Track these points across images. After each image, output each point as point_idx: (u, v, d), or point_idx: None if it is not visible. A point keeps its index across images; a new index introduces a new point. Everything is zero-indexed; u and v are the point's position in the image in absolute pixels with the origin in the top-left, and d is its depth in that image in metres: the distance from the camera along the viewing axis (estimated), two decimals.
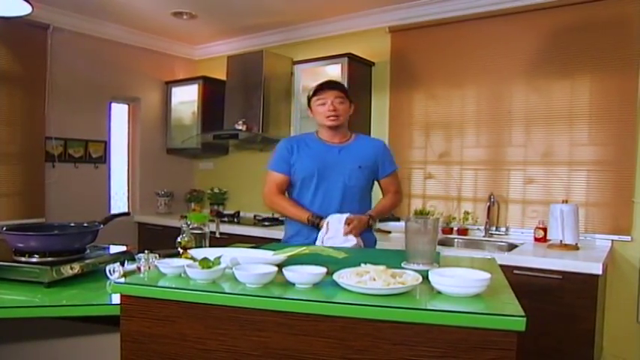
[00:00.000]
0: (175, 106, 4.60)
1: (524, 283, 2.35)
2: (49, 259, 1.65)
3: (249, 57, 4.07)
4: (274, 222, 3.84)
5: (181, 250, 1.87)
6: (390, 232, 3.21)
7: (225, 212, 4.39)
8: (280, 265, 1.37)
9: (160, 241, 3.14)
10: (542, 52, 3.11)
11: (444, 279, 1.21)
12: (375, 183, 2.35)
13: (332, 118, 2.19)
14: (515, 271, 2.45)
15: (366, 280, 1.22)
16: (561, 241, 2.72)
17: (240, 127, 3.92)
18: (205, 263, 1.32)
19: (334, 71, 3.62)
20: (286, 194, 2.30)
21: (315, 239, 2.09)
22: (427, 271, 1.28)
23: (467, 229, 3.31)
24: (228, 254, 1.44)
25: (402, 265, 1.55)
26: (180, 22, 4.01)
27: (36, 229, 1.75)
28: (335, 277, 1.25)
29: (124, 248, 1.98)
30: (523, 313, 1.06)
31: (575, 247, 2.71)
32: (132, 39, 4.27)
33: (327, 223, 2.09)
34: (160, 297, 1.28)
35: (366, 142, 2.36)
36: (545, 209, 2.94)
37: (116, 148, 4.37)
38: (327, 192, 2.19)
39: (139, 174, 4.49)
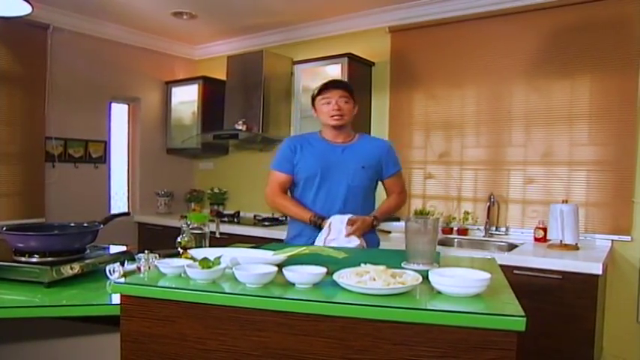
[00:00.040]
0: (175, 106, 4.60)
1: (524, 283, 2.35)
2: (49, 259, 1.64)
3: (249, 57, 4.07)
4: (274, 222, 3.84)
5: (181, 250, 1.87)
6: (390, 232, 3.21)
7: (225, 212, 4.39)
8: (280, 265, 1.37)
9: (160, 241, 3.15)
10: (542, 52, 3.11)
11: (444, 279, 1.21)
12: (380, 183, 2.34)
13: (336, 117, 2.17)
14: (515, 271, 2.45)
15: (366, 280, 1.22)
16: (561, 241, 2.72)
17: (240, 127, 3.92)
18: (205, 263, 1.32)
19: (334, 71, 3.62)
20: (288, 193, 2.29)
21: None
22: (427, 271, 1.28)
23: (467, 229, 3.31)
24: (228, 254, 1.44)
25: (402, 265, 1.55)
26: (180, 22, 4.01)
27: (36, 229, 1.75)
28: (335, 277, 1.25)
29: (124, 248, 1.97)
30: (523, 313, 1.06)
31: (575, 247, 2.71)
32: (132, 39, 4.27)
33: (330, 224, 2.08)
34: (160, 297, 1.28)
35: (370, 142, 2.35)
36: (545, 209, 2.94)
37: (116, 148, 4.37)
38: (330, 192, 2.18)
39: (139, 174, 4.49)
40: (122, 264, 1.69)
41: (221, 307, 1.23)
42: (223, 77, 4.26)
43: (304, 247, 1.53)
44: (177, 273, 1.39)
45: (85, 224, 1.88)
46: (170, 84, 4.62)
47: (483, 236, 3.23)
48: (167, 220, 4.15)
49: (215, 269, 1.31)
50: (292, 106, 4.06)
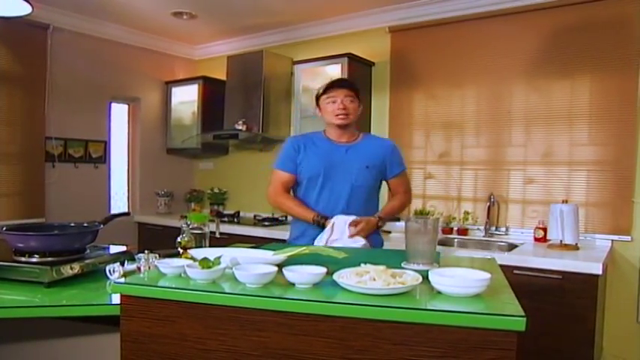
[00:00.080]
0: (175, 106, 4.60)
1: (524, 283, 2.35)
2: (49, 259, 1.64)
3: (249, 57, 4.07)
4: (274, 222, 3.84)
5: (181, 250, 1.87)
6: (390, 232, 3.21)
7: (225, 212, 4.39)
8: (280, 265, 1.37)
9: (160, 241, 3.14)
10: (542, 52, 3.11)
11: (444, 279, 1.21)
12: (384, 184, 2.32)
13: (341, 116, 2.16)
14: (515, 271, 2.45)
15: (366, 280, 1.21)
16: (561, 241, 2.72)
17: (240, 127, 3.92)
18: (205, 263, 1.32)
19: (334, 71, 3.62)
20: (291, 193, 2.28)
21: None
22: (427, 271, 1.28)
23: (467, 229, 3.31)
24: (228, 254, 1.44)
25: (402, 265, 1.55)
26: (180, 22, 4.01)
27: (36, 229, 1.75)
28: (335, 277, 1.25)
29: (124, 248, 1.97)
30: (523, 313, 1.06)
31: (575, 247, 2.71)
32: (132, 39, 4.27)
33: (333, 224, 2.07)
34: (160, 297, 1.28)
35: (374, 141, 2.33)
36: (545, 209, 2.94)
37: (116, 148, 4.36)
38: (333, 192, 2.16)
39: (139, 174, 4.49)
40: (122, 264, 1.69)
41: (221, 307, 1.23)
42: (223, 77, 4.26)
43: (304, 247, 1.53)
44: (177, 273, 1.39)
45: (85, 224, 1.88)
46: (170, 84, 4.62)
47: (483, 236, 3.23)
48: (167, 220, 4.15)
49: (215, 269, 1.31)
50: (292, 106, 4.06)
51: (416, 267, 1.51)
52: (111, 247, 1.97)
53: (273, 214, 4.02)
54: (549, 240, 2.86)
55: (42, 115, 3.70)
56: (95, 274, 1.73)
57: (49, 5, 3.55)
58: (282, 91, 4.10)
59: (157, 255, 1.67)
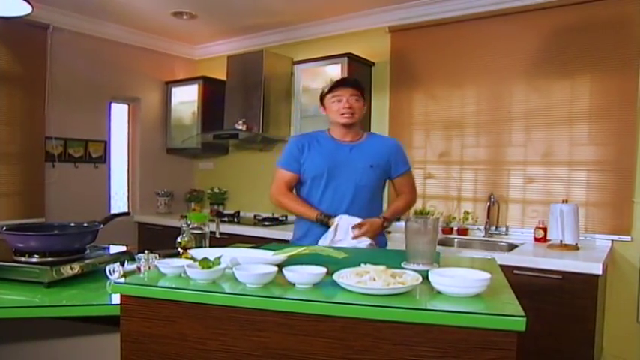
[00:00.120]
0: (175, 106, 4.60)
1: (524, 283, 2.35)
2: (49, 259, 1.64)
3: (249, 57, 4.07)
4: (274, 222, 3.85)
5: (181, 250, 1.87)
6: (390, 232, 3.20)
7: (225, 212, 4.39)
8: (280, 265, 1.37)
9: (160, 241, 3.14)
10: (542, 52, 3.11)
11: (444, 279, 1.21)
12: (387, 183, 2.31)
13: (347, 115, 2.14)
14: (515, 271, 2.45)
15: (366, 280, 1.22)
16: (561, 241, 2.72)
17: (240, 127, 3.92)
18: (205, 263, 1.32)
19: (334, 71, 3.62)
20: (294, 192, 2.27)
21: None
22: (427, 271, 1.28)
23: (467, 229, 3.31)
24: (228, 254, 1.44)
25: (402, 265, 1.55)
26: (180, 22, 4.01)
27: (36, 229, 1.75)
28: (335, 277, 1.25)
29: (124, 248, 1.97)
30: (523, 313, 1.06)
31: (575, 247, 2.71)
32: (132, 39, 4.27)
33: (337, 225, 2.05)
34: (160, 297, 1.28)
35: (379, 141, 2.31)
36: (545, 209, 2.94)
37: (116, 148, 4.36)
38: (337, 191, 2.14)
39: (139, 174, 4.49)
40: (122, 264, 1.69)
41: (221, 307, 1.23)
42: (223, 77, 4.26)
43: (304, 247, 1.53)
44: (177, 273, 1.39)
45: (85, 224, 1.88)
46: (170, 84, 4.62)
47: (483, 236, 3.23)
48: (167, 220, 4.15)
49: (215, 269, 1.31)
50: (292, 106, 4.06)
51: (416, 267, 1.51)
52: (111, 247, 1.97)
53: (273, 214, 4.02)
54: (549, 240, 2.86)
55: (42, 115, 3.70)
56: (95, 274, 1.73)
57: (49, 5, 3.55)
58: (282, 91, 4.10)
59: (157, 255, 1.67)
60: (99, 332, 1.63)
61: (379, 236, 2.20)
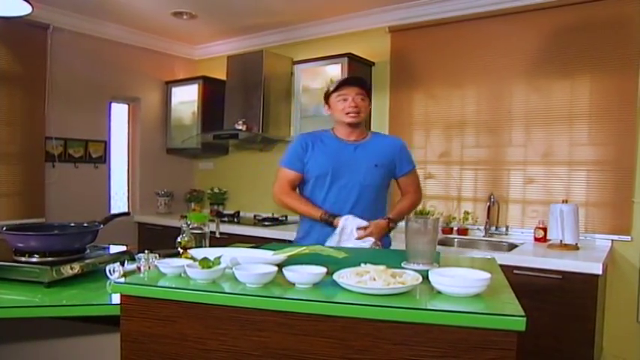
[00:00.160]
0: (175, 106, 4.60)
1: (524, 283, 2.34)
2: (49, 259, 1.65)
3: (249, 57, 4.07)
4: (274, 222, 3.84)
5: (181, 250, 1.87)
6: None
7: (225, 212, 4.39)
8: (280, 265, 1.37)
9: (160, 241, 3.15)
10: (542, 52, 3.11)
11: (444, 279, 1.21)
12: (391, 183, 2.30)
13: (352, 115, 2.13)
14: (515, 271, 2.45)
15: (366, 280, 1.22)
16: (561, 241, 2.72)
17: (240, 127, 3.92)
18: (205, 263, 1.32)
19: (334, 71, 3.62)
20: (297, 191, 2.25)
21: (327, 239, 2.05)
22: (427, 271, 1.28)
23: (467, 229, 3.31)
24: (228, 254, 1.44)
25: (402, 265, 1.55)
26: (180, 22, 4.01)
27: (36, 229, 1.75)
28: (335, 277, 1.25)
29: (124, 248, 1.97)
30: (523, 313, 1.06)
31: (575, 247, 2.71)
32: (132, 39, 4.27)
33: (343, 227, 2.04)
34: (160, 297, 1.28)
35: (384, 140, 2.30)
36: (545, 209, 2.94)
37: (116, 148, 4.37)
38: (342, 191, 2.13)
39: (139, 174, 4.49)
40: (122, 264, 1.69)
41: (221, 307, 1.23)
42: (223, 77, 4.26)
43: (304, 247, 1.53)
44: (177, 273, 1.39)
45: (85, 224, 1.88)
46: (170, 84, 4.62)
47: (483, 236, 3.23)
48: (167, 220, 4.15)
49: (215, 269, 1.31)
50: (292, 106, 4.06)
51: (416, 267, 1.51)
52: (111, 247, 1.97)
53: (273, 213, 4.02)
54: (549, 240, 2.86)
55: (42, 115, 3.70)
56: (95, 274, 1.73)
57: (49, 5, 3.55)
58: (282, 91, 4.10)
59: (157, 255, 1.67)
60: (99, 332, 1.63)
61: (384, 236, 2.18)
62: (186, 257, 1.68)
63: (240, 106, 4.08)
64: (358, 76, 2.58)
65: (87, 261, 1.72)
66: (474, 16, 3.31)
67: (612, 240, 2.88)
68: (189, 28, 4.20)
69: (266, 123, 3.96)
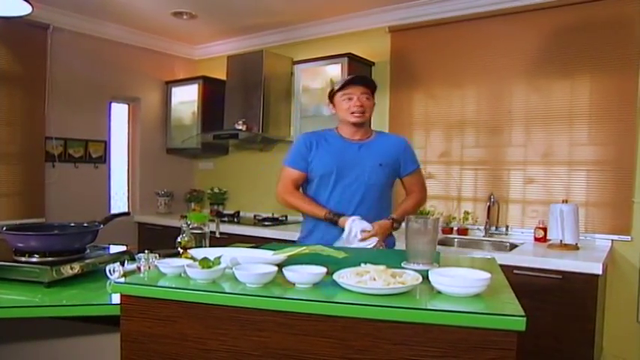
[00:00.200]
0: (175, 106, 4.60)
1: (524, 283, 2.34)
2: (49, 259, 1.65)
3: (249, 57, 4.07)
4: (274, 222, 3.84)
5: (181, 250, 1.87)
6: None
7: (225, 212, 4.39)
8: (280, 265, 1.36)
9: (160, 241, 3.14)
10: (542, 52, 3.11)
11: (444, 279, 1.21)
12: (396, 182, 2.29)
13: (357, 114, 2.12)
14: (515, 271, 2.45)
15: (366, 280, 1.22)
16: (561, 241, 2.72)
17: (240, 127, 3.92)
18: (205, 263, 1.32)
19: (334, 71, 3.63)
20: (300, 190, 2.24)
21: (332, 238, 2.04)
22: (427, 271, 1.28)
23: (467, 229, 3.31)
24: (228, 254, 1.44)
25: (402, 265, 1.55)
26: (180, 22, 4.01)
27: (36, 229, 1.75)
28: (335, 277, 1.25)
29: (124, 248, 1.97)
30: (523, 313, 1.06)
31: (575, 247, 2.71)
32: (132, 39, 4.27)
33: (349, 230, 2.03)
34: (160, 297, 1.28)
35: (388, 139, 2.29)
36: (545, 209, 2.94)
37: (116, 148, 4.37)
38: (346, 190, 2.12)
39: (139, 174, 4.49)
40: (122, 264, 1.69)
41: (221, 307, 1.23)
42: (223, 77, 4.26)
43: (304, 247, 1.53)
44: (177, 273, 1.39)
45: (85, 224, 1.88)
46: (170, 84, 4.62)
47: (483, 236, 3.23)
48: (167, 220, 4.15)
49: (215, 269, 1.31)
50: (292, 106, 4.06)
51: (416, 267, 1.51)
52: (111, 247, 1.97)
53: (273, 213, 4.03)
54: (549, 240, 2.86)
55: (42, 115, 3.70)
56: (95, 274, 1.73)
57: (49, 5, 3.55)
58: (282, 91, 4.10)
59: (157, 255, 1.67)
60: (99, 332, 1.63)
61: (388, 237, 2.17)
62: (186, 257, 1.68)
63: (240, 106, 4.08)
64: (363, 75, 2.56)
65: (87, 261, 1.72)
66: (473, 16, 3.31)
67: (612, 240, 2.88)
68: (189, 28, 4.20)
69: (266, 123, 3.96)
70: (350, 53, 3.57)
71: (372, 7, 3.61)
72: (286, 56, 4.11)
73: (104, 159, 4.16)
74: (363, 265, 1.32)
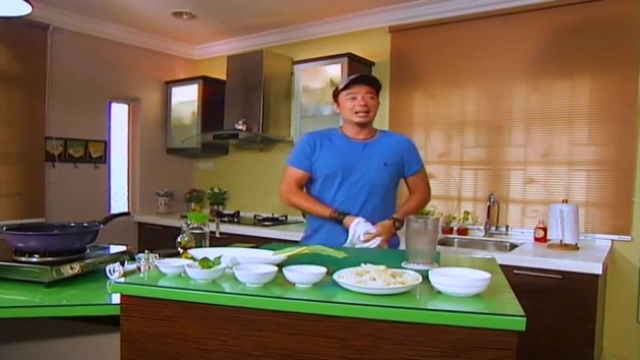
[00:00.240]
0: (175, 106, 4.60)
1: (524, 283, 2.34)
2: (49, 259, 1.65)
3: (249, 57, 4.07)
4: (274, 222, 3.85)
5: (181, 250, 1.87)
6: None
7: (225, 212, 4.39)
8: (280, 265, 1.36)
9: (160, 241, 3.15)
10: (542, 52, 3.11)
11: (444, 279, 1.21)
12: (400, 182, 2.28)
13: (361, 114, 2.11)
14: (515, 271, 2.45)
15: (366, 280, 1.22)
16: (561, 241, 2.72)
17: (240, 127, 3.92)
18: (205, 263, 1.32)
19: (334, 71, 3.63)
20: (304, 190, 2.23)
21: (337, 237, 2.04)
22: (427, 271, 1.28)
23: (467, 229, 3.31)
24: (228, 254, 1.44)
25: (402, 265, 1.55)
26: (180, 22, 4.01)
27: (36, 229, 1.75)
28: (335, 277, 1.25)
29: (124, 248, 1.97)
30: (523, 313, 1.06)
31: (575, 247, 2.71)
32: (132, 39, 4.27)
33: (354, 232, 2.02)
34: (160, 297, 1.28)
35: (392, 138, 2.28)
36: (545, 209, 2.94)
37: (116, 148, 4.37)
38: (351, 190, 2.11)
39: (139, 174, 4.49)
40: (122, 264, 1.69)
41: (222, 306, 1.23)
42: (223, 77, 4.26)
43: (304, 247, 1.53)
44: (177, 273, 1.39)
45: (85, 224, 1.88)
46: (170, 84, 4.62)
47: (483, 236, 3.23)
48: (167, 220, 4.15)
49: (215, 269, 1.31)
50: (292, 106, 4.06)
51: (416, 267, 1.51)
52: (111, 247, 1.97)
53: (273, 213, 4.03)
54: (549, 240, 2.86)
55: (42, 115, 3.70)
56: (95, 274, 1.73)
57: (49, 5, 3.55)
58: (282, 91, 4.10)
59: (157, 255, 1.67)
60: (99, 332, 1.63)
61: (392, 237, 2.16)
62: (186, 257, 1.68)
63: (240, 106, 4.08)
64: (368, 74, 2.55)
65: (87, 261, 1.72)
66: (473, 16, 3.31)
67: (612, 240, 2.88)
68: (189, 28, 4.20)
69: (266, 123, 3.96)
70: (350, 53, 3.57)
71: (372, 7, 3.61)
72: (286, 56, 4.11)
73: (104, 159, 4.16)
74: (363, 265, 1.32)
